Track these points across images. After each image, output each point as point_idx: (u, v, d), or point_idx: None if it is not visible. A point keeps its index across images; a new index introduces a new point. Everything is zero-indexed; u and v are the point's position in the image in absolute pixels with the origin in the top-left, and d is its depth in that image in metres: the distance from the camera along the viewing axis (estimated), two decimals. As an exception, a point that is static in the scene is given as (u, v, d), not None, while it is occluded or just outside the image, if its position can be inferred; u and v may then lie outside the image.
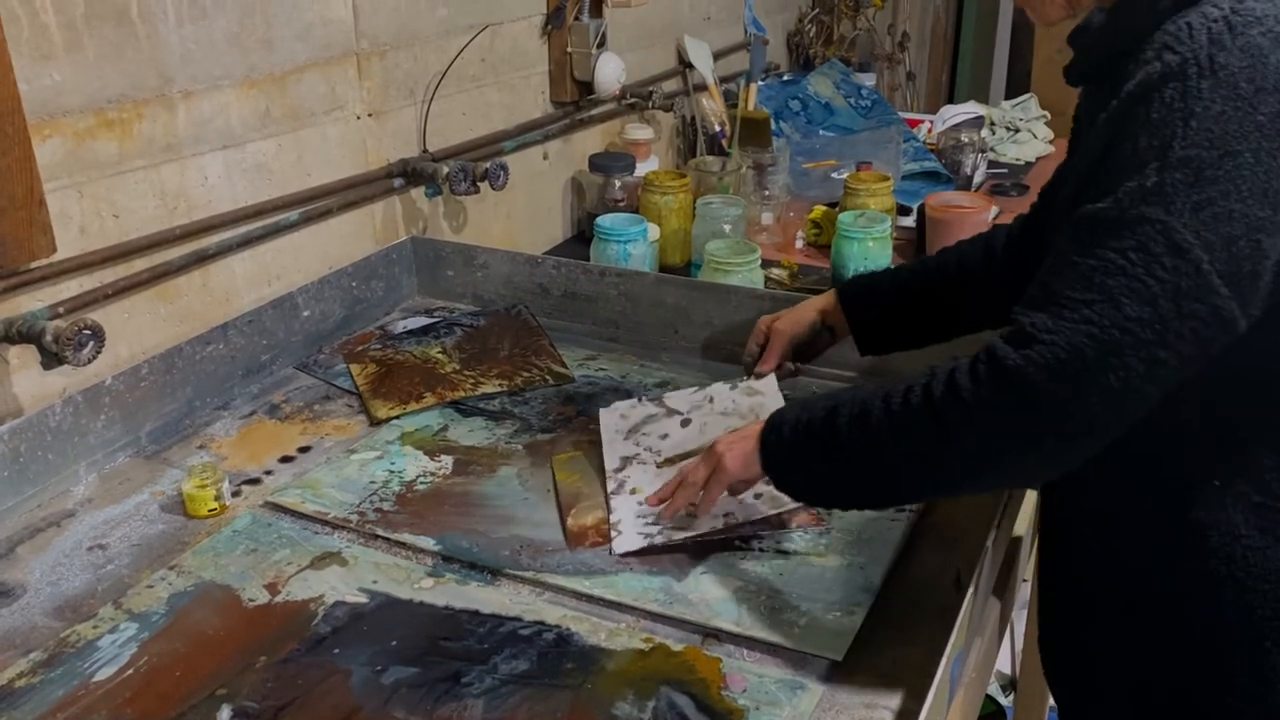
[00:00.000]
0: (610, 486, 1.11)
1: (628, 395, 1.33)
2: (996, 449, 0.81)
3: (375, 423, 1.27)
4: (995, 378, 0.78)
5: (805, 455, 0.91)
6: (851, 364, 1.34)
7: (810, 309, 1.24)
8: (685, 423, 1.18)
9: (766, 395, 1.19)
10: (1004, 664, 2.10)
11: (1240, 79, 0.75)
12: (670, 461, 1.12)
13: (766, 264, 1.73)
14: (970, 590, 0.91)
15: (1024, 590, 1.60)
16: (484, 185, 1.66)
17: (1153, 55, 0.79)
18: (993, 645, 1.13)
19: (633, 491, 1.09)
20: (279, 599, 0.96)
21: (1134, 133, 0.78)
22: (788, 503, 1.02)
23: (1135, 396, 0.77)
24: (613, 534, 1.04)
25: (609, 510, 1.08)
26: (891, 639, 0.92)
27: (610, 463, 1.14)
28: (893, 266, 1.27)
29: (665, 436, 1.17)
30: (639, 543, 1.02)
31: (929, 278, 1.20)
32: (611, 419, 1.21)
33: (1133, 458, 0.90)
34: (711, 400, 1.21)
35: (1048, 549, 1.07)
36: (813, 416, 0.90)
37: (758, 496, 1.05)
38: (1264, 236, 0.75)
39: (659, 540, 1.02)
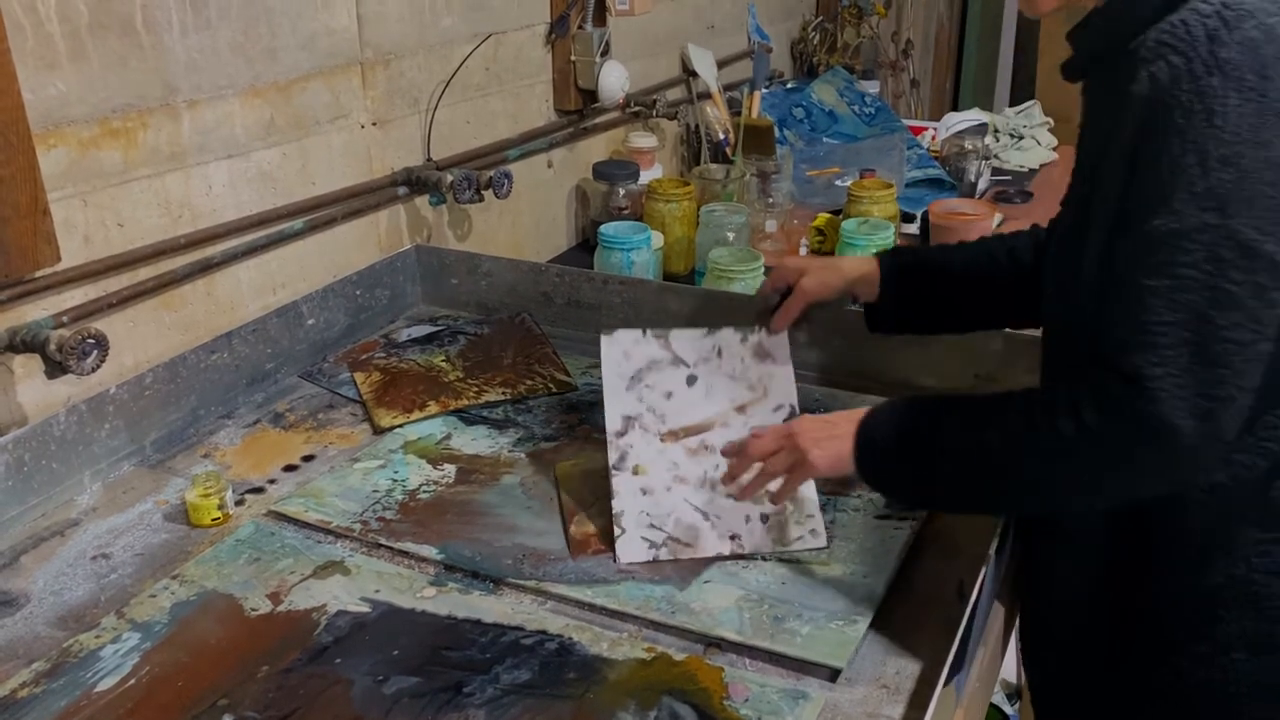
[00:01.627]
0: (612, 458, 1.07)
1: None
2: (1133, 481, 0.83)
3: (379, 431, 1.27)
4: (1132, 420, 0.79)
5: (907, 468, 0.93)
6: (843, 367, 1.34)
7: (841, 276, 1.19)
8: (691, 379, 1.13)
9: (777, 361, 1.14)
10: (1009, 672, 2.09)
11: (1245, 71, 0.77)
12: (674, 435, 1.09)
13: (770, 271, 1.73)
14: (973, 599, 0.91)
15: (1029, 599, 1.59)
16: (488, 194, 1.67)
17: (1153, 55, 0.81)
18: (996, 654, 1.12)
19: (635, 471, 1.07)
20: (281, 608, 0.96)
21: (1165, 141, 0.79)
22: (793, 541, 1.04)
23: (1248, 394, 0.79)
24: (616, 530, 1.03)
25: (611, 494, 1.05)
26: (894, 648, 0.92)
27: (612, 421, 1.09)
28: (935, 247, 1.24)
29: (670, 396, 1.11)
30: (642, 554, 1.02)
31: (976, 278, 1.16)
32: (614, 353, 1.12)
33: None
34: (719, 354, 1.14)
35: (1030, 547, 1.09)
36: (917, 426, 0.92)
37: (764, 519, 1.05)
38: None
39: (663, 555, 1.02)
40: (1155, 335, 0.78)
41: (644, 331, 1.14)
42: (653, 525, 1.04)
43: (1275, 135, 0.77)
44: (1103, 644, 0.99)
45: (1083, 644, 1.02)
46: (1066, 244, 0.95)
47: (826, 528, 1.06)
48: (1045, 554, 1.05)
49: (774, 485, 1.01)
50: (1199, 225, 0.77)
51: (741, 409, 1.11)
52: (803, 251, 2.02)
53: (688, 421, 1.09)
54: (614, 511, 1.05)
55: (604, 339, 1.13)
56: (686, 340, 1.15)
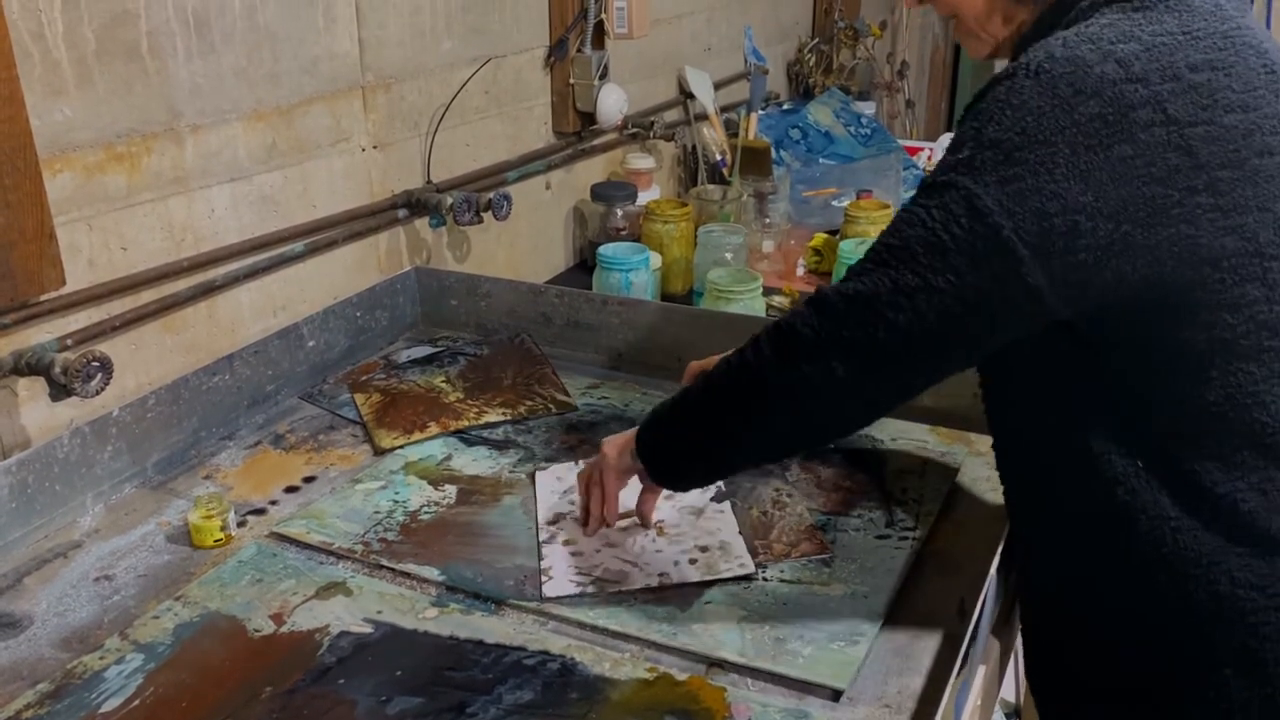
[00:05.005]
0: (542, 536, 1.10)
1: (630, 424, 1.33)
2: (801, 375, 0.87)
3: (380, 452, 1.27)
4: (805, 304, 0.88)
5: (665, 428, 1.00)
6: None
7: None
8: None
9: None
10: (1009, 692, 2.09)
11: (1060, 82, 0.80)
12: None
13: (768, 292, 1.74)
14: (974, 618, 0.91)
15: (1028, 617, 1.60)
16: (487, 215, 1.68)
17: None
18: (997, 673, 1.13)
19: (565, 543, 1.09)
20: (284, 629, 0.97)
21: (962, 123, 0.85)
22: (722, 571, 1.03)
23: (929, 342, 0.84)
24: (543, 579, 1.02)
25: (540, 558, 1.06)
26: (896, 668, 0.92)
27: (543, 516, 1.13)
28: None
29: None
30: (570, 589, 1.01)
31: None
32: (547, 482, 1.20)
33: (1059, 450, 0.93)
34: None
35: (1016, 556, 1.08)
36: (674, 395, 1.00)
37: (693, 562, 1.05)
38: (1083, 218, 0.79)
39: (590, 590, 1.01)
40: (871, 252, 0.86)
41: (576, 462, 1.24)
42: (580, 573, 1.04)
43: (1064, 143, 0.79)
44: (1106, 670, 0.99)
45: (1082, 669, 1.02)
46: None
47: (827, 547, 1.07)
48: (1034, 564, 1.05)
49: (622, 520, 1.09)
50: (946, 182, 0.82)
51: (670, 495, 1.14)
52: (800, 271, 2.03)
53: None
54: (542, 567, 1.04)
55: (538, 474, 1.22)
56: None
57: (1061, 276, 0.81)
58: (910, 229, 0.83)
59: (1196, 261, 0.82)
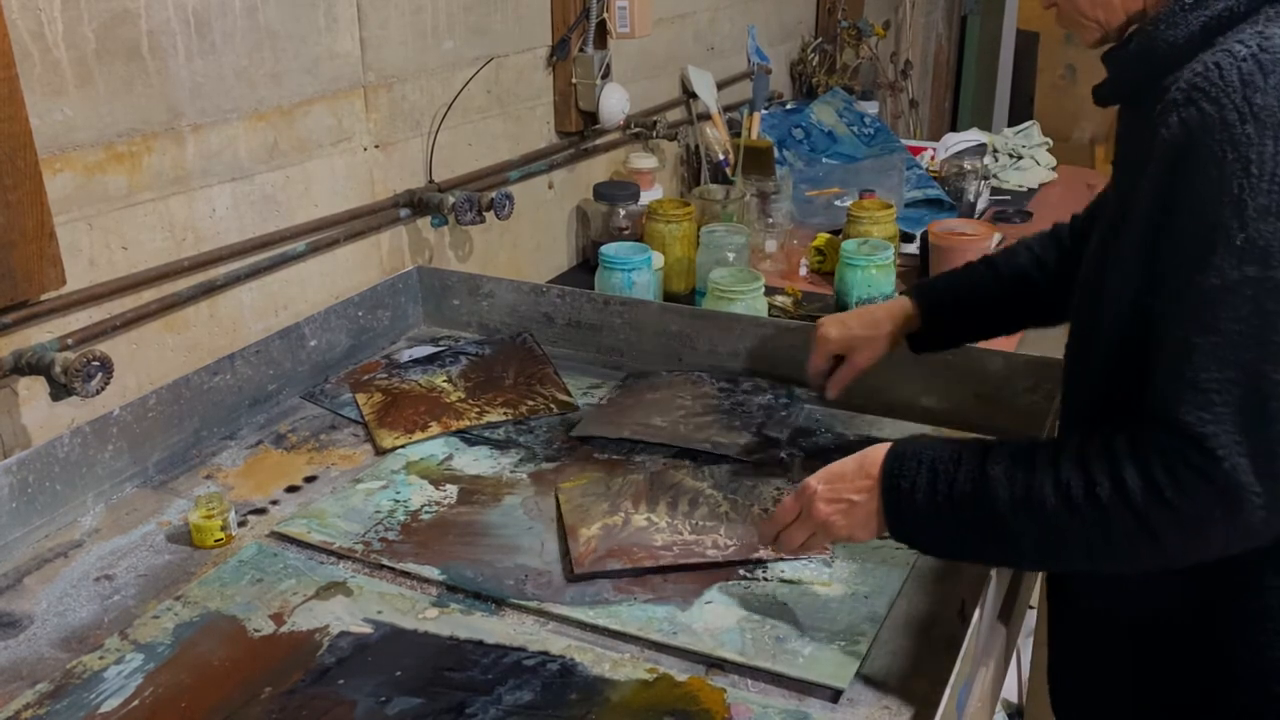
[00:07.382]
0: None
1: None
2: (1204, 546, 0.79)
3: (381, 452, 1.27)
4: (1201, 481, 0.76)
5: (948, 528, 0.87)
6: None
7: (889, 340, 1.24)
8: None
9: None
10: (1010, 692, 2.09)
11: None
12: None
13: (770, 291, 1.74)
14: (975, 619, 0.91)
15: (1030, 618, 1.60)
16: (489, 215, 1.68)
17: (1184, 98, 0.78)
18: (998, 673, 1.12)
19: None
20: (284, 629, 0.97)
21: (1200, 192, 0.77)
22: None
23: None
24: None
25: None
26: (896, 668, 0.92)
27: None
28: (964, 274, 1.26)
29: None
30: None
31: (1006, 291, 1.21)
32: None
33: None
34: None
35: (1055, 581, 1.07)
36: (957, 492, 0.85)
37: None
38: None
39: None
40: (1209, 393, 0.75)
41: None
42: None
43: None
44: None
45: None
46: (1090, 265, 0.94)
47: (827, 547, 1.07)
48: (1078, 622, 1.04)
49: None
50: (1241, 279, 0.74)
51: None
52: (802, 271, 2.03)
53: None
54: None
55: None
56: None
57: None
58: (1242, 351, 0.75)
59: None
